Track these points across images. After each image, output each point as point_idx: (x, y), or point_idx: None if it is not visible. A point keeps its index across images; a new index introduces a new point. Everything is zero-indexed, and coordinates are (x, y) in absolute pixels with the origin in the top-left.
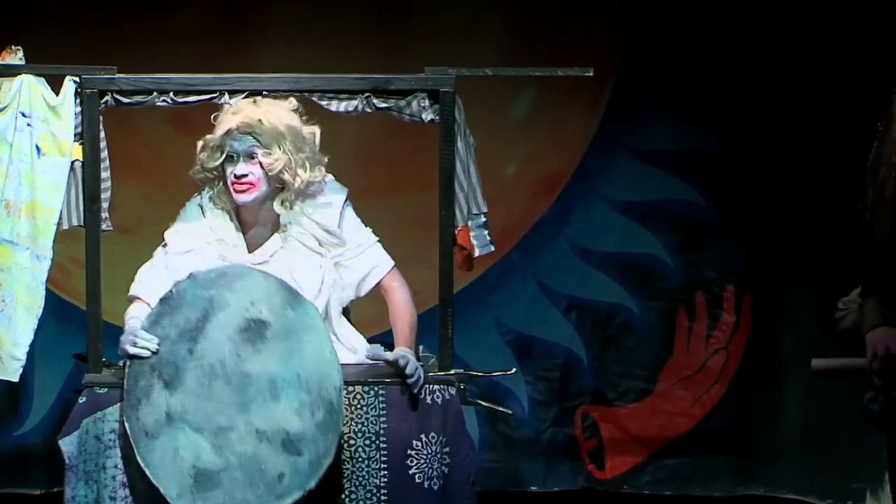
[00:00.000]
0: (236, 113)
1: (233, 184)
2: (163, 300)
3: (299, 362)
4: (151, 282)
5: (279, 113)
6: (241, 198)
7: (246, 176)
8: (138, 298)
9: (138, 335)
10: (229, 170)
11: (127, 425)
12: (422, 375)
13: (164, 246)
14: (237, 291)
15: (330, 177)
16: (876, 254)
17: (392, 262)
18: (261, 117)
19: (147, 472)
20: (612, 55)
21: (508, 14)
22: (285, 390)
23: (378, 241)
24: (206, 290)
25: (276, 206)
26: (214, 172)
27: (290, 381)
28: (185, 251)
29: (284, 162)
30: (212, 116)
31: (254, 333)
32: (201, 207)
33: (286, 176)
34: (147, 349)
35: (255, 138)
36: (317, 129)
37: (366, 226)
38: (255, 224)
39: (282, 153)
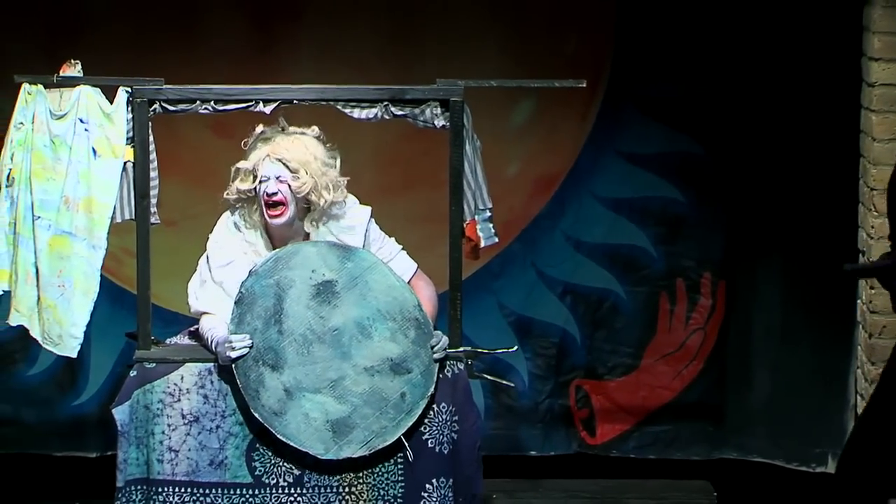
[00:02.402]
0: (266, 141)
1: (266, 203)
2: (237, 302)
3: (374, 299)
4: (207, 295)
5: (305, 141)
6: (275, 221)
7: (276, 194)
8: (205, 313)
9: (232, 340)
10: (262, 190)
11: (256, 415)
12: (445, 348)
13: (207, 260)
14: (295, 267)
15: (351, 197)
16: None
17: (416, 265)
18: (288, 146)
19: (291, 444)
20: (603, 68)
21: (510, 32)
22: (374, 326)
23: (402, 248)
24: (269, 278)
25: (307, 226)
26: (248, 194)
27: (374, 316)
28: (226, 263)
29: (311, 185)
30: (242, 142)
31: (326, 294)
32: (236, 224)
33: (312, 197)
34: (245, 347)
35: (284, 164)
36: (338, 155)
37: (389, 236)
38: (284, 241)
39: (308, 177)
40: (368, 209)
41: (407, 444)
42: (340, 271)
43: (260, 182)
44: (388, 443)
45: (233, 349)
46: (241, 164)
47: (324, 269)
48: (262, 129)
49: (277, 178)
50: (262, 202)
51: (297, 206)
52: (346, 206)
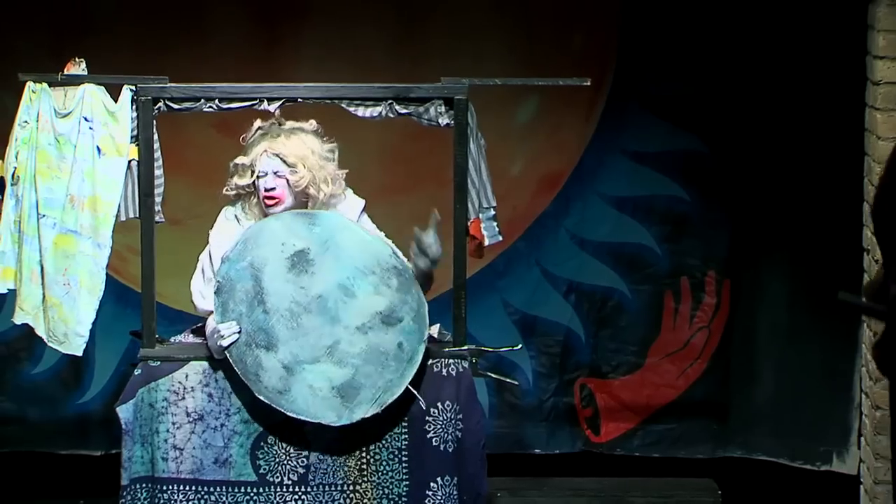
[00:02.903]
0: (264, 137)
1: (263, 198)
2: (217, 292)
3: (350, 258)
4: (212, 292)
5: (302, 136)
6: (271, 210)
7: (274, 189)
8: (213, 311)
9: (220, 329)
10: (260, 185)
11: (261, 398)
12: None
13: (209, 256)
14: (265, 244)
15: (349, 190)
16: None
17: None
18: (285, 141)
19: (302, 418)
20: (608, 67)
21: (515, 30)
22: (356, 284)
23: (391, 243)
24: (242, 261)
25: None
26: (247, 190)
27: (354, 275)
28: None
29: (309, 179)
30: (241, 138)
31: (301, 264)
32: (237, 217)
33: (311, 190)
34: (234, 334)
35: (282, 160)
36: (335, 147)
37: (392, 234)
38: None
39: (306, 171)
40: (362, 202)
41: (416, 392)
42: (310, 238)
43: (258, 177)
44: (396, 395)
45: (222, 338)
46: (239, 160)
47: (293, 240)
48: (260, 124)
49: (275, 173)
50: (261, 197)
51: (295, 200)
52: (344, 199)
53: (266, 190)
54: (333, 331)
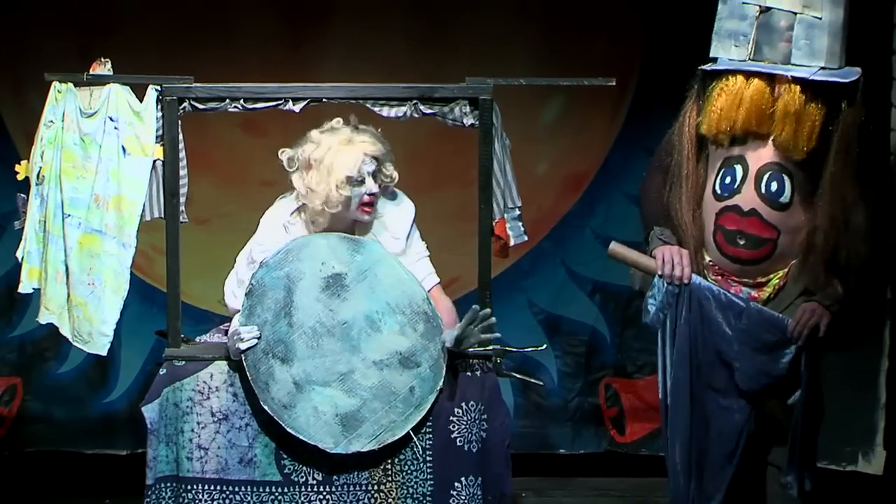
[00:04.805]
0: (349, 143)
1: (364, 203)
2: (248, 294)
3: (384, 292)
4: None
5: (379, 137)
6: (367, 217)
7: (375, 195)
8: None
9: (241, 331)
10: (359, 190)
11: (266, 407)
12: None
13: (251, 262)
14: (306, 259)
15: (400, 192)
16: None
17: (438, 279)
18: (374, 142)
19: (301, 438)
20: (633, 67)
21: (540, 31)
22: (383, 320)
23: (428, 255)
24: (280, 270)
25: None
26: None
27: (383, 310)
28: None
29: (395, 176)
30: (308, 134)
31: (335, 287)
32: (285, 227)
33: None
34: (253, 339)
35: (376, 160)
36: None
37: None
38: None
39: (392, 169)
40: (413, 207)
41: (415, 439)
42: (350, 264)
43: (359, 182)
44: (396, 437)
45: (241, 341)
46: (347, 172)
47: (333, 262)
48: (333, 124)
49: (373, 174)
50: (360, 201)
51: None
52: (396, 201)
53: (371, 195)
54: (351, 359)
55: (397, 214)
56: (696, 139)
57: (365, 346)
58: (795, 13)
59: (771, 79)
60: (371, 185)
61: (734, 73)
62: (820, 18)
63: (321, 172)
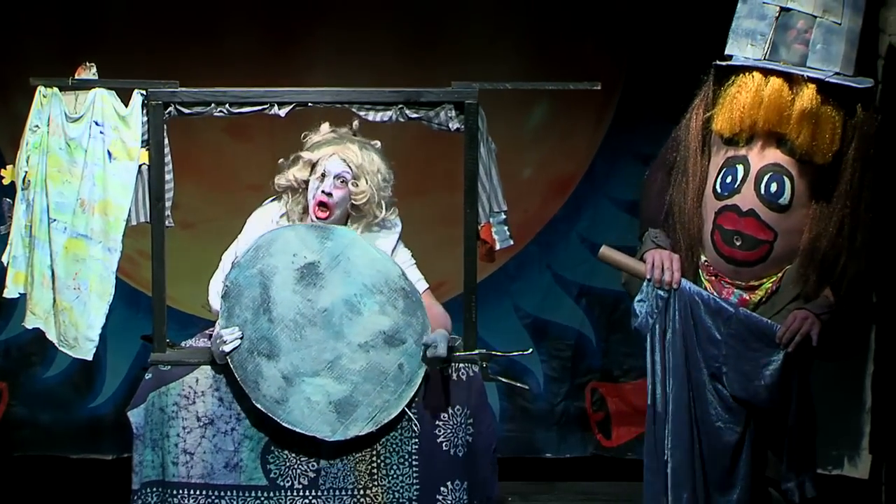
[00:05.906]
0: (337, 141)
1: (317, 202)
2: (224, 296)
3: (359, 274)
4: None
5: (373, 153)
6: (317, 220)
7: (331, 196)
8: None
9: (222, 334)
10: (317, 186)
11: (259, 406)
12: (439, 356)
13: (236, 259)
14: (277, 254)
15: (396, 217)
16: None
17: (427, 284)
18: (357, 151)
19: (297, 430)
20: (619, 71)
21: (526, 36)
22: (362, 302)
23: (414, 262)
24: (252, 268)
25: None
26: (299, 185)
27: (361, 292)
28: None
29: (368, 196)
30: (302, 135)
31: (310, 276)
32: (274, 218)
33: (365, 208)
34: (235, 339)
35: (348, 165)
36: (393, 176)
37: (406, 244)
38: None
39: (367, 187)
40: (400, 223)
41: (411, 415)
42: (321, 251)
43: (321, 177)
44: (392, 416)
45: (224, 343)
46: (305, 154)
47: (305, 252)
48: (332, 127)
49: (337, 177)
50: (313, 198)
51: (342, 212)
52: (387, 226)
53: (323, 192)
54: (336, 346)
55: (385, 236)
56: (702, 135)
57: (348, 331)
58: (815, 17)
59: (788, 79)
60: (327, 185)
61: (750, 70)
62: (839, 24)
63: (302, 156)
